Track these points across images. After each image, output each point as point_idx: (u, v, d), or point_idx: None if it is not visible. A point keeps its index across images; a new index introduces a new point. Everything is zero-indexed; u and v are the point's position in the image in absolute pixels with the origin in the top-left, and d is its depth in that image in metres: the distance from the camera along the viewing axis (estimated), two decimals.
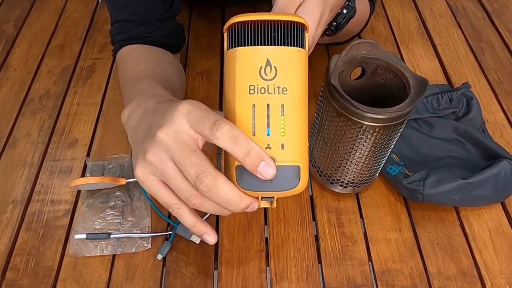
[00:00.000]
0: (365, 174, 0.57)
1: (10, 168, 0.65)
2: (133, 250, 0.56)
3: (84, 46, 0.83)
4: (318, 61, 0.78)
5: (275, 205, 0.42)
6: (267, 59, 0.38)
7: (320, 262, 0.56)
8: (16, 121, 0.71)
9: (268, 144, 0.38)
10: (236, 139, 0.36)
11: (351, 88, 0.54)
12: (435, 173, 0.57)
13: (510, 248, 0.57)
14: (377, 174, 0.60)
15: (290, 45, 0.38)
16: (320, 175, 0.61)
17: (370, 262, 0.56)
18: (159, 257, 0.55)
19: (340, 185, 0.60)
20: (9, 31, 0.86)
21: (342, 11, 0.56)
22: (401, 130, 0.51)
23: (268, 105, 0.38)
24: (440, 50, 0.83)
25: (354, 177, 0.57)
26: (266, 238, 0.58)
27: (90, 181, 0.58)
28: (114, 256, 0.56)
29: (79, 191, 0.62)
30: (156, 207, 0.59)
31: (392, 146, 0.55)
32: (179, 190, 0.39)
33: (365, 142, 0.50)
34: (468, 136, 0.65)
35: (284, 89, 0.38)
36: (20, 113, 0.72)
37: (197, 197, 0.39)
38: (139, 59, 0.61)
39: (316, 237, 0.58)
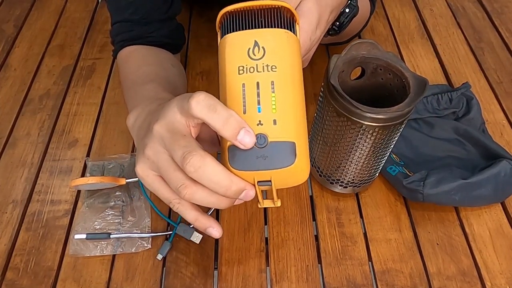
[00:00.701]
0: (365, 174, 0.57)
1: (10, 168, 0.65)
2: (133, 250, 0.56)
3: (84, 46, 0.83)
4: (318, 61, 0.78)
5: (279, 203, 0.41)
6: (255, 40, 0.38)
7: (320, 262, 0.56)
8: (16, 121, 0.71)
9: (260, 121, 0.37)
10: (213, 108, 0.35)
11: (350, 88, 0.54)
12: (435, 173, 0.57)
13: (510, 248, 0.57)
14: (377, 174, 0.60)
15: (278, 28, 0.39)
16: (320, 175, 0.61)
17: (370, 262, 0.56)
18: (159, 257, 0.55)
19: (340, 185, 0.60)
20: (9, 31, 0.86)
21: (344, 10, 0.56)
22: (401, 130, 0.51)
23: (257, 83, 0.37)
24: (440, 50, 0.83)
25: (354, 177, 0.57)
26: (266, 238, 0.58)
27: (90, 181, 0.58)
28: (114, 256, 0.56)
29: (79, 191, 0.62)
30: (156, 207, 0.59)
31: (392, 146, 0.55)
32: (171, 180, 0.38)
33: (365, 142, 0.50)
34: (468, 136, 0.65)
35: (273, 67, 0.38)
36: (20, 113, 0.72)
37: (187, 187, 0.37)
38: (142, 61, 0.61)
39: (316, 237, 0.58)
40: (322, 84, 0.52)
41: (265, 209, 0.60)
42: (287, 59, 0.38)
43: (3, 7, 0.91)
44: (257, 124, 0.37)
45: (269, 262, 0.56)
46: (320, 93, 0.53)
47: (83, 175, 0.64)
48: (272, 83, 0.38)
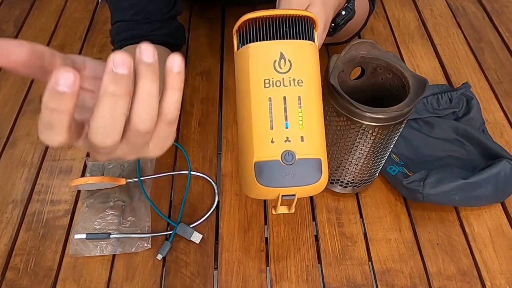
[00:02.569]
0: (365, 174, 0.57)
1: (10, 168, 0.65)
2: (133, 250, 0.56)
3: (84, 46, 0.83)
4: None
5: (293, 210, 0.41)
6: (281, 52, 0.37)
7: (320, 262, 0.56)
8: (16, 121, 0.71)
9: (287, 137, 0.37)
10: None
11: (350, 88, 0.54)
12: (435, 173, 0.57)
13: (510, 248, 0.57)
14: (377, 174, 0.60)
15: (302, 39, 0.38)
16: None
17: (370, 262, 0.56)
18: (159, 257, 0.55)
19: (340, 185, 0.60)
20: (9, 31, 0.86)
21: (340, 12, 0.55)
22: (400, 130, 0.51)
23: (284, 97, 0.37)
24: (440, 50, 0.83)
25: (354, 177, 0.57)
26: (266, 238, 0.58)
27: (90, 181, 0.58)
28: (114, 256, 0.56)
29: (79, 191, 0.62)
30: (156, 207, 0.59)
31: (392, 146, 0.54)
32: None
33: (364, 141, 0.50)
34: (468, 136, 0.65)
35: (300, 81, 0.37)
36: (20, 113, 0.72)
37: None
38: None
39: (316, 237, 0.58)
40: (322, 84, 0.52)
41: (265, 209, 0.60)
42: (312, 73, 0.38)
43: (3, 7, 0.91)
44: (285, 141, 0.37)
45: (269, 262, 0.56)
46: None
47: (83, 175, 0.64)
48: (299, 98, 0.37)
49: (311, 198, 0.62)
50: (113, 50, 0.65)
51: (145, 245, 0.57)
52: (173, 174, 0.64)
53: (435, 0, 0.93)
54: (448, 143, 0.65)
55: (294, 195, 0.38)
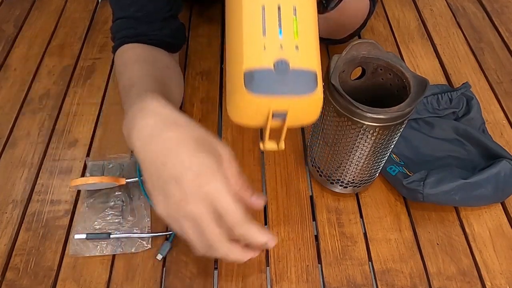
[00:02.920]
0: (365, 174, 0.57)
1: (10, 168, 0.65)
2: (133, 250, 0.56)
3: (84, 46, 0.83)
4: None
5: (283, 146, 0.38)
6: None
7: (320, 262, 0.56)
8: (16, 121, 0.71)
9: (281, 45, 0.34)
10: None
11: (351, 88, 0.54)
12: (435, 173, 0.57)
13: (510, 248, 0.57)
14: (377, 174, 0.60)
15: None
16: (320, 175, 0.61)
17: (370, 262, 0.56)
18: (159, 257, 0.55)
19: (340, 185, 0.60)
20: (9, 31, 0.86)
21: None
22: (401, 130, 0.51)
23: (279, 6, 0.35)
24: (440, 50, 0.83)
25: (354, 177, 0.57)
26: None
27: (90, 181, 0.58)
28: (114, 256, 0.56)
29: (79, 191, 0.62)
30: None
31: (392, 146, 0.55)
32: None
33: (365, 142, 0.50)
34: (468, 136, 0.65)
35: None
36: (20, 113, 0.72)
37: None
38: (137, 58, 0.61)
39: (316, 237, 0.58)
40: (323, 84, 0.52)
41: (265, 209, 0.60)
42: None
43: (3, 7, 0.91)
44: (278, 49, 0.34)
45: (269, 262, 0.56)
46: None
47: (83, 175, 0.64)
48: (294, 8, 0.35)
49: (311, 198, 0.62)
50: (113, 46, 0.65)
51: (145, 245, 0.57)
52: None
53: (435, 0, 0.93)
54: (448, 143, 0.65)
55: (285, 113, 0.35)
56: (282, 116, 0.36)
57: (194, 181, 0.39)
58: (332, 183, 0.60)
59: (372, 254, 0.56)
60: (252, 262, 0.55)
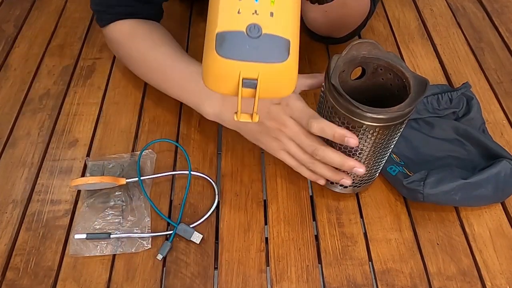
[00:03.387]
0: (365, 174, 0.57)
1: (10, 168, 0.65)
2: (133, 250, 0.56)
3: (84, 46, 0.83)
4: (318, 61, 0.78)
5: (256, 118, 0.38)
6: None
7: (320, 262, 0.56)
8: (16, 121, 0.71)
9: (256, 11, 0.34)
10: (323, 129, 0.50)
11: (351, 88, 0.54)
12: (435, 173, 0.57)
13: (510, 248, 0.57)
14: (377, 174, 0.60)
15: None
16: None
17: (370, 262, 0.56)
18: (159, 257, 0.55)
19: (340, 185, 0.60)
20: (9, 31, 0.86)
21: None
22: (401, 130, 0.51)
23: None
24: (440, 50, 0.83)
25: (354, 177, 0.57)
26: (266, 238, 0.58)
27: (90, 181, 0.58)
28: (114, 256, 0.56)
29: (79, 191, 0.62)
30: (156, 207, 0.59)
31: (392, 146, 0.55)
32: (302, 159, 0.55)
33: (365, 142, 0.50)
34: (468, 136, 0.65)
35: None
36: (20, 113, 0.72)
37: (312, 164, 0.55)
38: (156, 34, 0.68)
39: (316, 237, 0.58)
40: (323, 84, 0.52)
41: (265, 209, 0.60)
42: None
43: (3, 7, 0.91)
44: (252, 14, 0.34)
45: (269, 262, 0.56)
46: (321, 93, 0.53)
47: (83, 175, 0.64)
48: None
49: (311, 198, 0.62)
50: (102, 20, 0.69)
51: (145, 245, 0.57)
52: (173, 174, 0.64)
53: (435, 0, 0.93)
54: (448, 143, 0.65)
55: (256, 80, 0.35)
56: (253, 84, 0.35)
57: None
58: (332, 183, 0.60)
59: (372, 254, 0.56)
60: (252, 262, 0.55)
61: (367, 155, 0.53)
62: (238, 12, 0.35)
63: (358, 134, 0.49)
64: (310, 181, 0.63)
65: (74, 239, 0.57)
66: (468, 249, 0.57)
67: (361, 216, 0.60)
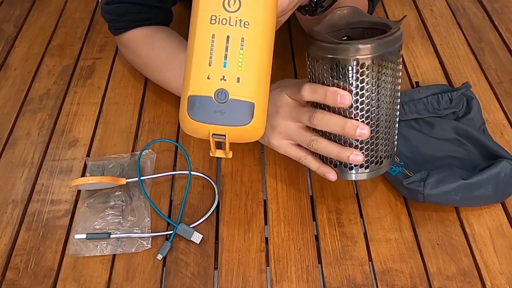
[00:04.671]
0: (375, 143, 0.51)
1: (10, 168, 0.65)
2: (133, 250, 0.56)
3: (84, 46, 0.83)
4: None
5: (230, 155, 0.41)
6: None
7: (320, 262, 0.56)
8: (16, 121, 0.71)
9: (223, 76, 0.37)
10: (315, 90, 0.48)
11: None
12: (435, 173, 0.57)
13: (510, 248, 0.57)
14: (394, 147, 0.54)
15: None
16: (331, 162, 0.54)
17: (370, 262, 0.56)
18: (159, 257, 0.55)
19: (353, 169, 0.53)
20: (9, 31, 0.86)
21: None
22: (399, 69, 0.49)
23: (228, 36, 0.37)
24: (440, 50, 0.83)
25: (369, 148, 0.51)
26: (266, 238, 0.58)
27: (90, 181, 0.58)
28: (114, 256, 0.56)
29: (79, 191, 0.62)
30: (156, 207, 0.59)
31: (399, 94, 0.51)
32: (301, 139, 0.53)
33: (363, 88, 0.47)
34: (468, 136, 0.65)
35: (246, 23, 0.38)
36: (20, 113, 0.72)
37: (313, 140, 0.51)
38: (172, 37, 0.69)
39: (316, 237, 0.58)
40: (306, 53, 0.51)
41: (265, 209, 0.60)
42: (261, 17, 0.38)
43: (3, 7, 0.91)
44: (220, 79, 0.37)
45: (269, 262, 0.56)
46: (307, 62, 0.51)
47: (83, 175, 0.64)
48: (242, 39, 0.37)
49: (311, 198, 0.62)
50: (116, 29, 0.68)
51: (145, 245, 0.57)
52: (173, 174, 0.64)
53: (435, 0, 0.93)
54: (449, 143, 0.65)
55: (224, 135, 0.39)
56: (222, 136, 0.39)
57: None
58: (345, 167, 0.53)
59: (372, 254, 0.56)
60: (252, 262, 0.55)
61: (373, 106, 0.48)
62: (208, 78, 0.38)
63: (353, 81, 0.46)
64: (310, 180, 0.63)
65: (74, 239, 0.57)
66: (468, 249, 0.57)
67: (361, 216, 0.60)
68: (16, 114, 0.72)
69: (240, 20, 0.37)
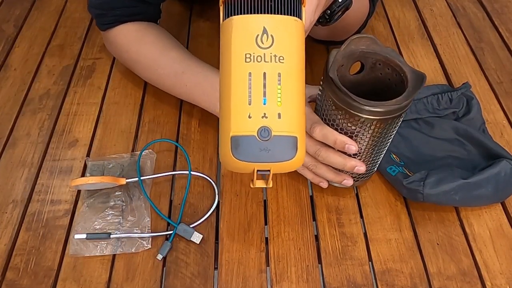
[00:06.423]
0: (370, 165, 0.57)
1: (10, 168, 0.65)
2: (133, 250, 0.56)
3: (84, 46, 0.83)
4: (318, 59, 0.78)
5: (271, 184, 0.41)
6: (264, 27, 0.37)
7: (320, 262, 0.56)
8: (16, 121, 0.71)
9: (265, 114, 0.37)
10: (325, 136, 0.51)
11: (350, 82, 0.54)
12: (435, 173, 0.57)
13: (510, 248, 0.57)
14: (375, 169, 0.60)
15: (287, 14, 0.38)
16: None
17: (370, 262, 0.56)
18: (159, 257, 0.55)
19: None
20: (9, 31, 0.86)
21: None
22: (399, 124, 0.52)
23: (264, 73, 0.37)
24: (440, 50, 0.83)
25: (353, 173, 0.57)
26: (266, 238, 0.58)
27: (90, 181, 0.58)
28: (114, 256, 0.56)
29: (79, 191, 0.62)
30: (156, 207, 0.59)
31: (390, 141, 0.55)
32: (305, 162, 0.56)
33: (363, 135, 0.50)
34: (468, 136, 0.65)
35: (281, 58, 0.37)
36: (20, 113, 0.72)
37: (317, 165, 0.56)
38: (163, 35, 0.69)
39: (316, 237, 0.58)
40: (322, 78, 0.52)
41: (265, 209, 0.60)
42: (295, 50, 0.38)
43: (3, 7, 0.91)
44: (262, 117, 0.37)
45: (269, 262, 0.56)
46: (320, 87, 0.53)
47: (83, 175, 0.64)
48: (279, 74, 0.37)
49: (311, 198, 0.62)
50: (103, 24, 0.68)
51: (145, 245, 0.57)
52: (173, 174, 0.64)
53: (435, 0, 0.93)
54: (448, 143, 0.65)
55: (269, 170, 0.39)
56: (267, 171, 0.39)
57: None
58: None
59: (372, 254, 0.56)
60: (252, 262, 0.55)
61: (364, 148, 0.53)
62: (249, 117, 0.38)
63: (356, 127, 0.50)
64: (310, 180, 0.63)
65: (74, 239, 0.57)
66: (468, 249, 0.57)
67: (361, 216, 0.60)
68: (16, 114, 0.72)
69: (275, 56, 0.37)
